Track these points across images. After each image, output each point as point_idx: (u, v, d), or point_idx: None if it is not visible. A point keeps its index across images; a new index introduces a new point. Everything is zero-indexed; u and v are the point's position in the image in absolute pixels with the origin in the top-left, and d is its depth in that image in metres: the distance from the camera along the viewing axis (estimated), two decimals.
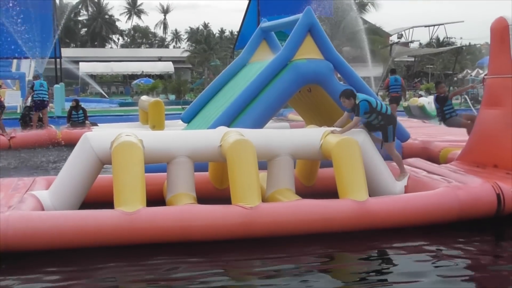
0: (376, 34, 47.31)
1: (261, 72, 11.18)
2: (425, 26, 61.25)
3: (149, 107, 17.55)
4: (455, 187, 8.28)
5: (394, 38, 54.96)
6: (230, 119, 10.84)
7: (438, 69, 62.51)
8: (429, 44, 67.68)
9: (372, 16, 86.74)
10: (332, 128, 8.79)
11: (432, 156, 11.78)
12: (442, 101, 10.73)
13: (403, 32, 57.48)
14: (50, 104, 28.67)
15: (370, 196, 7.94)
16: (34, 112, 18.46)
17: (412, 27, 56.95)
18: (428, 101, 27.12)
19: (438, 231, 7.82)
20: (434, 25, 61.40)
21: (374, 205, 7.75)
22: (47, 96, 18.70)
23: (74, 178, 7.77)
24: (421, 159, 10.69)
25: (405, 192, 8.85)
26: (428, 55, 60.52)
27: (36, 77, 20.11)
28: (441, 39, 70.46)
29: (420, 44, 67.39)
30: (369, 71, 36.75)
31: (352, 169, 7.89)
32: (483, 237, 7.85)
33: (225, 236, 7.17)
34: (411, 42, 58.39)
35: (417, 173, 9.43)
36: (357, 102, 8.93)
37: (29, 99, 19.26)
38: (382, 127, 9.11)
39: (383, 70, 42.80)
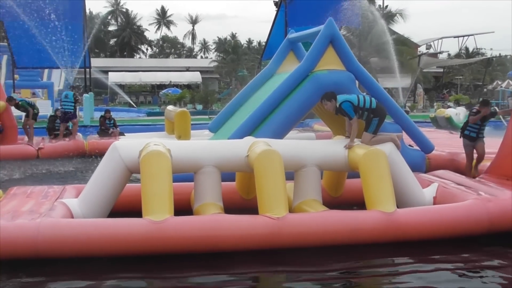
0: (404, 44, 47.01)
1: (282, 83, 11.21)
2: (454, 37, 60.79)
3: (175, 117, 17.64)
4: (485, 199, 8.17)
5: (422, 49, 54.66)
6: (251, 130, 10.86)
7: (467, 80, 61.93)
8: (458, 55, 67.17)
9: (400, 27, 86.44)
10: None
11: (460, 168, 11.63)
12: (483, 120, 10.65)
13: (431, 43, 57.16)
14: (80, 113, 29.05)
15: (398, 207, 7.89)
16: (61, 123, 18.68)
17: (441, 38, 56.56)
18: (456, 112, 26.90)
19: (467, 244, 7.72)
20: (463, 36, 60.89)
21: (402, 216, 7.69)
22: (72, 107, 18.76)
23: (103, 187, 7.87)
24: (450, 171, 10.57)
25: (434, 203, 8.79)
26: (457, 66, 60.02)
27: (74, 87, 20.34)
28: (470, 50, 69.86)
29: (449, 55, 66.95)
30: (397, 82, 36.56)
31: (379, 181, 7.85)
32: None
33: (252, 246, 7.18)
34: (440, 53, 57.98)
35: (447, 185, 9.35)
36: (337, 105, 8.83)
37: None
38: (368, 120, 8.93)
39: (411, 81, 42.58)
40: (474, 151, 11.12)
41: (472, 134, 10.63)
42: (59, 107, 19.10)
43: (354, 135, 8.69)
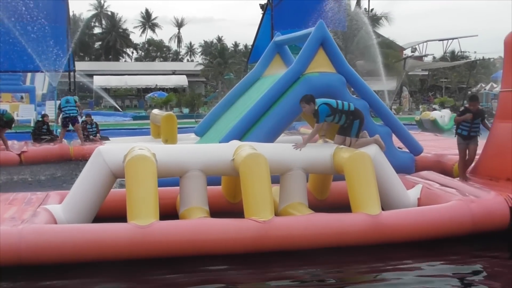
0: (390, 48, 47.25)
1: (273, 85, 11.18)
2: (439, 40, 61.07)
3: (162, 120, 17.52)
4: (468, 200, 8.26)
5: (407, 52, 54.90)
6: (242, 132, 10.84)
7: (452, 83, 62.33)
8: (443, 58, 67.53)
9: (386, 30, 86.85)
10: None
11: (446, 169, 11.72)
12: (473, 116, 10.54)
13: (416, 46, 57.37)
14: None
15: (383, 209, 7.91)
16: (62, 128, 18.59)
17: (426, 41, 56.80)
18: (440, 115, 27.11)
19: (451, 244, 7.78)
20: (448, 39, 61.19)
21: (387, 218, 7.71)
22: (75, 111, 18.62)
23: (87, 192, 7.79)
24: (434, 172, 10.64)
25: (418, 204, 8.84)
26: (442, 69, 60.39)
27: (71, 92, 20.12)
28: (455, 53, 70.31)
29: (434, 58, 67.31)
30: (383, 85, 36.70)
31: (364, 183, 7.86)
32: (496, 251, 7.80)
33: (238, 250, 7.16)
34: (425, 56, 58.24)
35: (431, 186, 9.40)
36: (316, 107, 8.74)
37: (60, 118, 19.29)
38: (350, 124, 8.87)
39: (396, 84, 42.78)
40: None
41: (463, 132, 10.55)
42: (44, 112, 18.89)
43: (310, 138, 8.68)
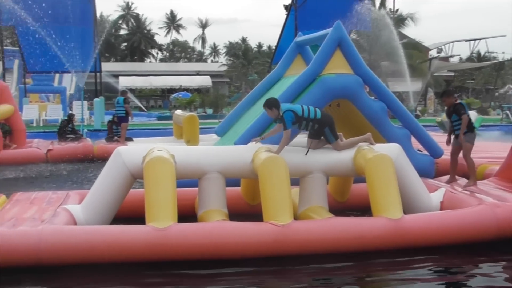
0: (415, 48, 46.82)
1: (289, 86, 11.07)
2: (466, 41, 60.40)
3: (184, 121, 17.48)
4: (493, 204, 8.07)
5: (433, 53, 54.38)
6: (257, 134, 10.72)
7: (479, 84, 61.62)
8: (469, 59, 66.77)
9: (411, 31, 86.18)
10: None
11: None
12: (448, 114, 10.10)
13: (443, 47, 56.82)
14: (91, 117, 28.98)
15: (404, 212, 7.77)
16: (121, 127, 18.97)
17: (453, 42, 56.23)
18: None
19: (475, 250, 7.62)
20: (475, 40, 60.50)
21: (409, 222, 7.57)
22: (123, 112, 18.80)
23: (106, 193, 7.81)
24: (457, 176, 10.43)
25: (441, 208, 8.68)
26: (469, 70, 59.72)
27: (123, 92, 20.48)
28: (482, 53, 69.48)
29: (461, 58, 66.59)
30: (408, 86, 36.40)
31: (386, 186, 7.73)
32: None
33: (256, 253, 7.09)
34: (451, 56, 57.67)
35: (454, 190, 9.24)
36: (281, 113, 8.36)
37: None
38: (320, 131, 8.49)
39: (422, 85, 42.40)
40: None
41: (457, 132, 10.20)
42: (70, 111, 19.10)
43: (283, 146, 8.23)
